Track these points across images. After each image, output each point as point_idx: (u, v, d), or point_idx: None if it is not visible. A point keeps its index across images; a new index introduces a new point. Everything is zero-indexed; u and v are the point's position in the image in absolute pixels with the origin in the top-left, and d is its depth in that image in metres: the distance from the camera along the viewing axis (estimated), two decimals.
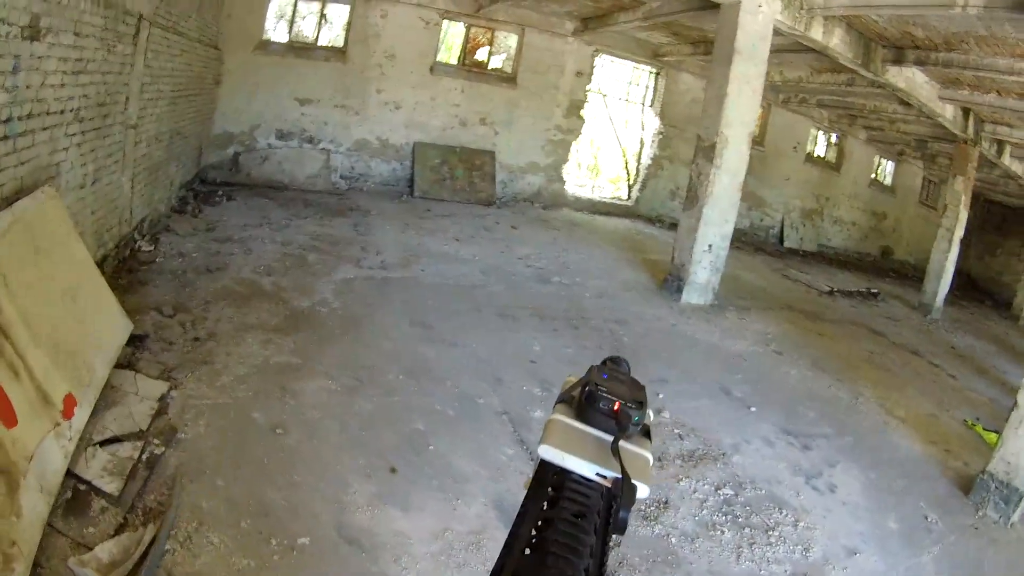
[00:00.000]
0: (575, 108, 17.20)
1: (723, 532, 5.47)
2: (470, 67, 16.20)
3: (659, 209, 19.29)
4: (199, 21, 10.98)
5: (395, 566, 4.48)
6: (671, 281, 11.66)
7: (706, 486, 6.00)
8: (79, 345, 5.21)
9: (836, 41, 11.51)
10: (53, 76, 5.46)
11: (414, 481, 5.36)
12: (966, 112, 14.96)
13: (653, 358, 8.71)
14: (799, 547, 5.53)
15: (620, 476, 0.91)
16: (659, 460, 6.21)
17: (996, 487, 6.86)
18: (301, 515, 4.69)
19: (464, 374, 7.25)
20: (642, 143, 19.27)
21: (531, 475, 0.98)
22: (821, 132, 22.16)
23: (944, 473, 7.48)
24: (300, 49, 14.33)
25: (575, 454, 0.94)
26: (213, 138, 13.26)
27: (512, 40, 16.69)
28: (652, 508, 5.54)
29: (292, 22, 14.69)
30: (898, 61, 12.31)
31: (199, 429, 5.38)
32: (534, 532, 0.87)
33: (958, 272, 17.19)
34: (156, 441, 5.12)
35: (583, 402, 1.02)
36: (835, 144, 22.85)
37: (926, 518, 6.48)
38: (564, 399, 1.06)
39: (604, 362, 1.14)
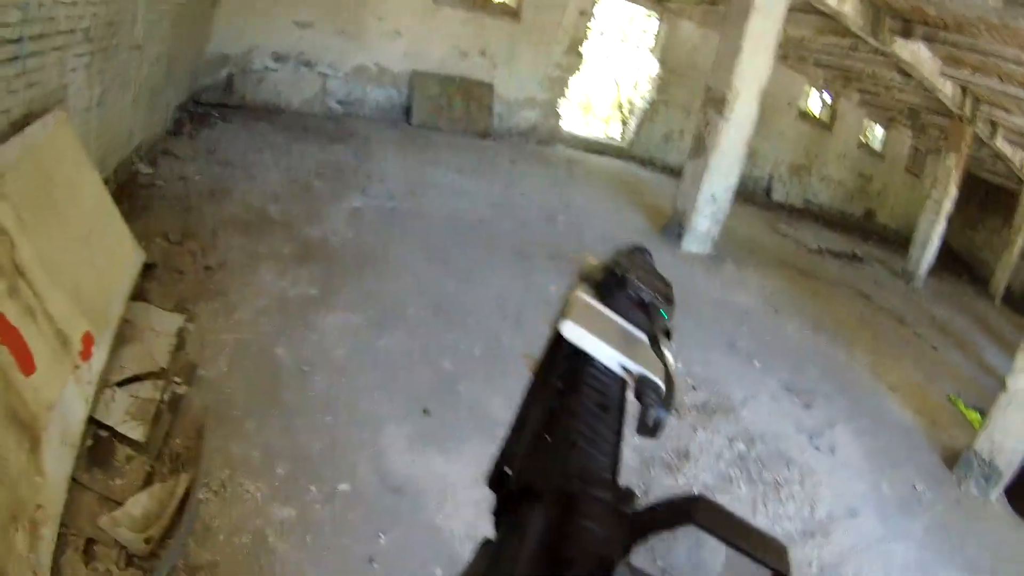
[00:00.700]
0: (575, 46, 16.63)
1: (739, 487, 5.48)
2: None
3: (652, 152, 18.95)
4: None
5: (440, 513, 4.31)
6: (672, 228, 11.50)
7: (721, 439, 5.98)
8: (95, 279, 4.74)
9: (848, 8, 11.21)
10: None
11: (449, 424, 5.13)
12: (964, 90, 14.85)
13: None
14: (807, 505, 5.60)
15: (645, 372, 0.77)
16: (675, 410, 5.99)
17: (979, 465, 7.09)
18: (338, 460, 4.46)
19: (485, 312, 7.00)
20: (636, 85, 18.92)
21: (540, 354, 0.87)
22: (815, 91, 21.87)
23: (931, 444, 7.59)
24: None
25: (601, 338, 0.80)
26: (208, 59, 12.47)
27: None
28: (674, 458, 5.52)
29: None
30: (906, 34, 12.04)
31: (221, 367, 5.01)
32: (549, 419, 0.77)
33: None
34: (177, 380, 4.73)
35: (610, 286, 0.89)
36: (829, 104, 22.62)
37: (915, 487, 6.58)
38: (585, 278, 0.92)
39: (631, 250, 1.01)
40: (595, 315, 0.85)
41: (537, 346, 0.90)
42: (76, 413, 3.83)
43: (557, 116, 17.22)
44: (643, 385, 0.77)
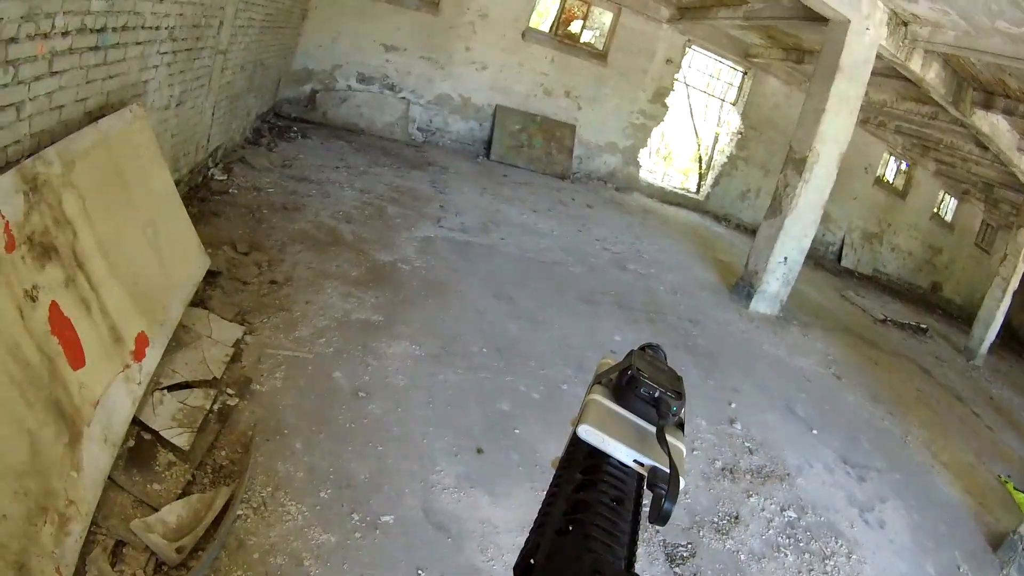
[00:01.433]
0: (661, 95, 16.58)
1: (786, 555, 5.34)
2: (562, 38, 15.55)
3: (728, 208, 18.78)
4: None
5: (481, 556, 4.12)
6: (742, 286, 11.34)
7: (773, 505, 5.84)
8: (156, 279, 4.64)
9: (932, 75, 11.27)
10: None
11: (501, 465, 4.94)
12: None
13: (727, 365, 8.38)
14: None
15: (655, 465, 0.85)
16: (731, 472, 6.06)
17: (1023, 549, 6.84)
18: (385, 490, 4.29)
19: (548, 356, 6.78)
20: (716, 138, 18.70)
21: (561, 454, 0.93)
22: (893, 157, 21.58)
23: (977, 525, 7.33)
24: None
25: (615, 437, 0.87)
26: (292, 73, 12.71)
27: (607, 17, 16.04)
28: (724, 522, 5.38)
29: None
30: (987, 106, 12.09)
31: (276, 382, 4.87)
32: (568, 514, 0.81)
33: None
34: (230, 391, 4.58)
35: (623, 386, 0.95)
36: (904, 171, 22.29)
37: (959, 568, 6.35)
38: (601, 381, 0.98)
39: (643, 348, 1.05)
40: (609, 415, 0.91)
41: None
42: (121, 412, 3.68)
43: (637, 164, 17.10)
44: (655, 476, 0.84)
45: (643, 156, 17.22)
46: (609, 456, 0.87)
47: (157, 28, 5.25)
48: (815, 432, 7.60)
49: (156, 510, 3.47)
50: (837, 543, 5.72)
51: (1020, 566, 6.75)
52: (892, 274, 23.14)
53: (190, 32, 6.14)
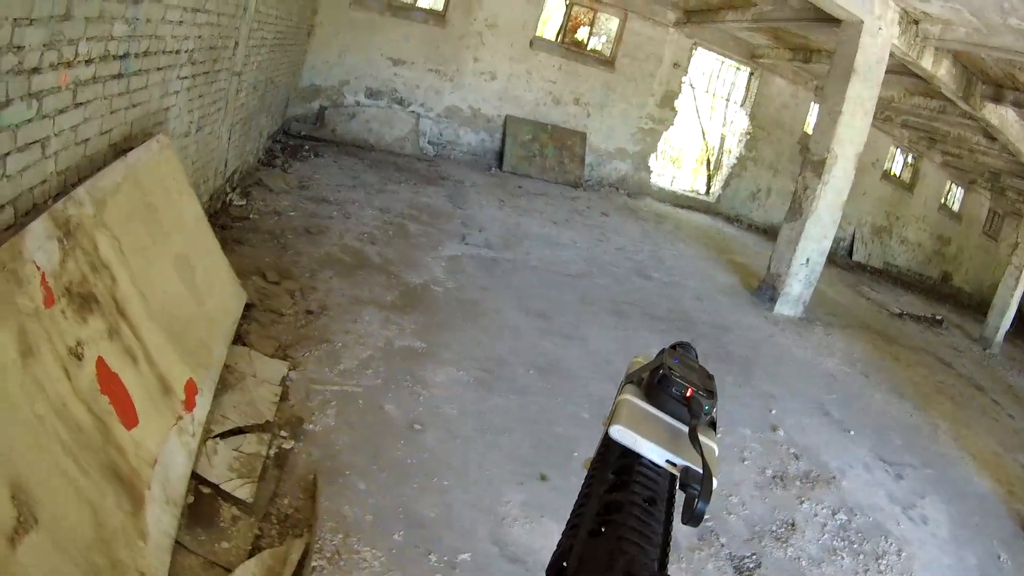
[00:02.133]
0: (669, 99, 16.48)
1: (843, 558, 5.36)
2: (569, 45, 15.50)
3: (739, 209, 18.72)
4: None
5: None
6: (764, 289, 11.36)
7: (824, 510, 5.86)
8: (196, 319, 4.37)
9: (943, 72, 11.42)
10: (173, 11, 4.69)
11: (566, 491, 4.68)
12: None
13: (760, 371, 8.38)
14: None
15: (688, 465, 0.82)
16: (781, 480, 6.06)
17: None
18: (456, 526, 4.11)
19: (590, 374, 6.65)
20: (723, 139, 18.65)
21: (593, 454, 0.89)
22: (899, 151, 21.61)
23: (1010, 514, 7.41)
24: (398, 8, 13.42)
25: (647, 438, 0.84)
26: (300, 90, 12.55)
27: (613, 23, 15.92)
28: (783, 530, 5.39)
29: None
30: (996, 99, 12.33)
31: (328, 420, 4.62)
32: (601, 515, 0.78)
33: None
34: (283, 434, 4.31)
35: (654, 385, 0.91)
36: (911, 164, 22.35)
37: (998, 557, 6.42)
38: (632, 380, 0.95)
39: (674, 346, 1.02)
40: (641, 415, 0.88)
41: None
42: (179, 469, 3.40)
43: (647, 169, 16.99)
44: (687, 477, 0.81)
45: (653, 160, 17.11)
46: (641, 456, 0.85)
47: (177, 52, 5.01)
48: (851, 433, 7.62)
49: (228, 571, 3.22)
50: (887, 542, 5.76)
51: None
52: (902, 266, 23.13)
53: (208, 55, 5.92)
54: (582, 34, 16.04)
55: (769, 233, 18.13)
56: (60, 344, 2.81)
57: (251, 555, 3.35)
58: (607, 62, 15.58)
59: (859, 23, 9.95)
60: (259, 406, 4.34)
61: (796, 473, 6.27)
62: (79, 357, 2.91)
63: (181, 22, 4.93)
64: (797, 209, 10.90)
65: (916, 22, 10.35)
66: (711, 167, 19.03)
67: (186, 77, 5.40)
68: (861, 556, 5.45)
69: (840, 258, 19.95)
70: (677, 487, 0.83)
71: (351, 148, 12.40)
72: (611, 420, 0.87)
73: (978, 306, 22.15)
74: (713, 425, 0.93)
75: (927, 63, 10.99)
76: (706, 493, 0.78)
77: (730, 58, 17.17)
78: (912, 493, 6.81)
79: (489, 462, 4.79)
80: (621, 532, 0.74)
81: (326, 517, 3.74)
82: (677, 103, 16.64)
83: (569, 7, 15.26)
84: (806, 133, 18.51)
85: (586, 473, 0.88)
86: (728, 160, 18.44)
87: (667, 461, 0.83)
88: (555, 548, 0.77)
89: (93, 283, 3.21)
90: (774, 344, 9.56)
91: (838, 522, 5.76)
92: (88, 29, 3.39)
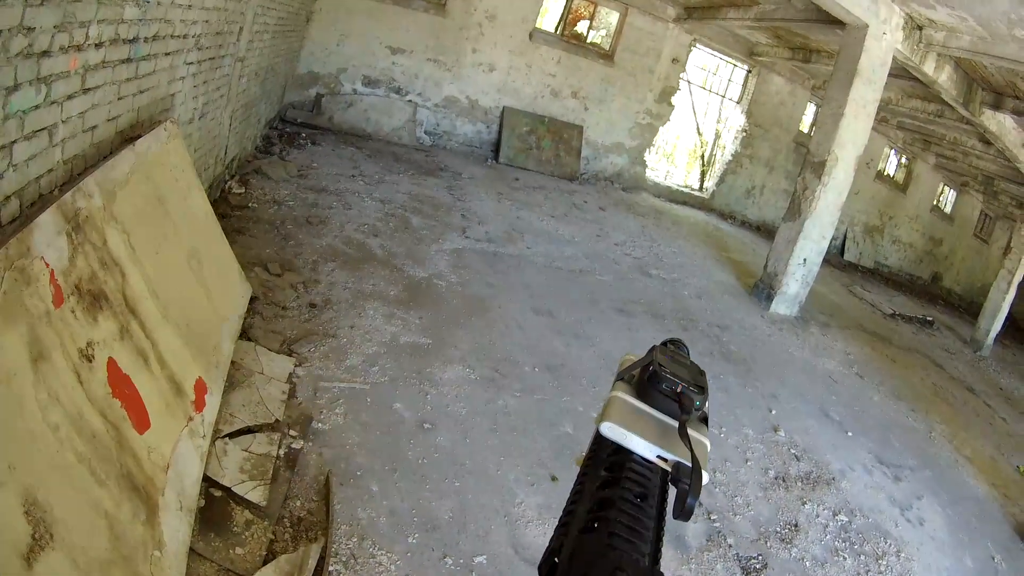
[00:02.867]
0: (667, 94, 16.36)
1: (845, 558, 5.41)
2: (568, 38, 15.27)
3: (734, 206, 18.67)
4: None
5: None
6: (761, 288, 11.34)
7: (825, 511, 5.91)
8: (205, 315, 4.22)
9: (944, 78, 11.38)
10: None
11: None
12: None
13: (760, 371, 8.36)
14: None
15: (679, 460, 0.84)
16: (783, 481, 6.08)
17: None
18: (471, 529, 4.05)
19: (597, 373, 6.58)
20: (717, 135, 18.57)
21: (584, 452, 0.91)
22: (893, 151, 21.64)
23: (1005, 517, 7.51)
24: None
25: (638, 434, 0.86)
26: (297, 77, 12.32)
27: (613, 18, 15.78)
28: (787, 531, 5.42)
29: None
30: (996, 106, 12.28)
31: (337, 419, 4.50)
32: (593, 511, 0.79)
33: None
34: (293, 433, 4.16)
35: (645, 382, 0.93)
36: (905, 165, 22.38)
37: (993, 559, 6.50)
38: (623, 377, 0.97)
39: (665, 343, 1.05)
40: (632, 411, 0.89)
41: None
42: (192, 473, 3.26)
43: (643, 164, 16.88)
44: (679, 472, 0.81)
45: (649, 155, 17.02)
46: (633, 452, 0.85)
47: (185, 37, 4.85)
48: (850, 434, 7.66)
49: None
50: (887, 543, 5.81)
51: None
52: (893, 266, 23.17)
53: (214, 40, 5.75)
54: (582, 27, 15.79)
55: (763, 230, 18.21)
56: (71, 347, 2.66)
57: (266, 561, 3.23)
58: (606, 56, 15.43)
59: (864, 27, 9.90)
60: (268, 404, 4.19)
61: (798, 474, 6.29)
62: (90, 360, 2.76)
63: (190, 6, 4.78)
64: (796, 209, 10.87)
65: (920, 28, 10.31)
66: (705, 163, 18.95)
67: (192, 63, 5.25)
68: (862, 557, 5.49)
69: (832, 256, 19.98)
70: (669, 482, 0.84)
71: (348, 137, 12.22)
72: (601, 417, 0.87)
73: (968, 307, 22.35)
74: (705, 420, 0.94)
75: (929, 68, 10.96)
76: (695, 488, 0.78)
77: (729, 55, 17.08)
78: (910, 495, 6.85)
79: (501, 463, 4.71)
80: (612, 528, 0.74)
81: (340, 520, 3.64)
82: (675, 99, 16.53)
83: (569, 0, 15.08)
84: (802, 132, 18.55)
85: (578, 470, 0.89)
86: (723, 157, 18.36)
87: (658, 457, 0.84)
88: (547, 544, 0.78)
89: (103, 280, 3.06)
90: (773, 344, 9.53)
91: (839, 523, 5.80)
92: (99, 11, 3.22)
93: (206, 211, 4.89)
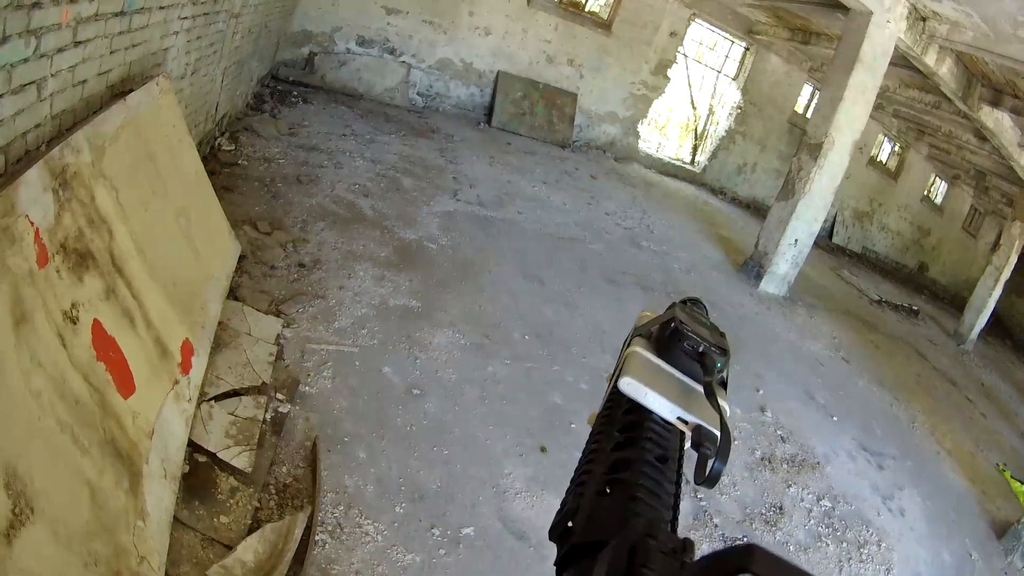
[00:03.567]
0: (663, 67, 16.13)
1: (828, 545, 5.41)
2: (567, 5, 14.92)
3: (724, 182, 18.51)
4: None
5: None
6: (751, 266, 11.27)
7: (810, 495, 5.89)
8: (193, 275, 4.10)
9: (944, 70, 11.28)
10: None
11: (566, 465, 4.53)
12: None
13: (748, 350, 8.25)
14: (883, 567, 5.58)
15: (701, 423, 0.77)
16: (769, 462, 6.04)
17: None
18: (458, 499, 4.01)
19: (587, 343, 6.53)
20: (711, 110, 18.40)
21: (598, 410, 0.83)
22: (887, 139, 21.47)
23: (982, 513, 7.58)
24: None
25: (659, 392, 0.78)
26: (290, 35, 12.00)
27: None
28: (771, 513, 5.39)
29: None
30: (995, 103, 12.20)
31: (325, 382, 4.41)
32: (610, 472, 0.73)
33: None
34: (280, 396, 4.06)
35: (666, 339, 0.84)
36: (897, 153, 22.22)
37: (970, 555, 6.58)
38: (642, 333, 0.88)
39: (684, 301, 0.95)
40: (652, 369, 0.81)
41: None
42: (177, 438, 3.17)
43: (636, 135, 16.67)
44: (700, 436, 0.76)
45: (642, 127, 16.85)
46: (650, 412, 0.78)
47: None
48: (834, 419, 7.65)
49: (229, 547, 3.01)
50: (868, 532, 5.81)
51: (1022, 554, 7.03)
52: (880, 253, 23.10)
53: None
54: None
55: (752, 208, 18.11)
56: (55, 308, 2.55)
57: (252, 530, 3.15)
58: (604, 25, 15.17)
59: (868, 14, 9.79)
60: (255, 367, 4.10)
61: (783, 456, 6.27)
62: (74, 321, 2.66)
63: None
64: (790, 189, 10.79)
65: (924, 19, 10.21)
66: (698, 137, 18.81)
67: (187, 17, 5.07)
68: (844, 544, 5.50)
69: (820, 239, 19.83)
70: (687, 446, 0.79)
71: (340, 96, 11.99)
72: (619, 373, 0.81)
73: (952, 299, 22.33)
74: (724, 384, 0.88)
75: (930, 60, 10.87)
76: (724, 453, 0.74)
77: (727, 32, 16.86)
78: (892, 485, 6.87)
79: (490, 432, 4.65)
80: (633, 491, 0.70)
81: (327, 488, 3.58)
82: (671, 72, 16.34)
83: None
84: (797, 112, 18.41)
85: (591, 429, 0.83)
86: (716, 132, 18.22)
87: (678, 418, 0.79)
88: (559, 508, 0.73)
89: (90, 239, 2.94)
90: (760, 323, 9.50)
91: (823, 508, 5.80)
92: None
93: (196, 168, 4.75)
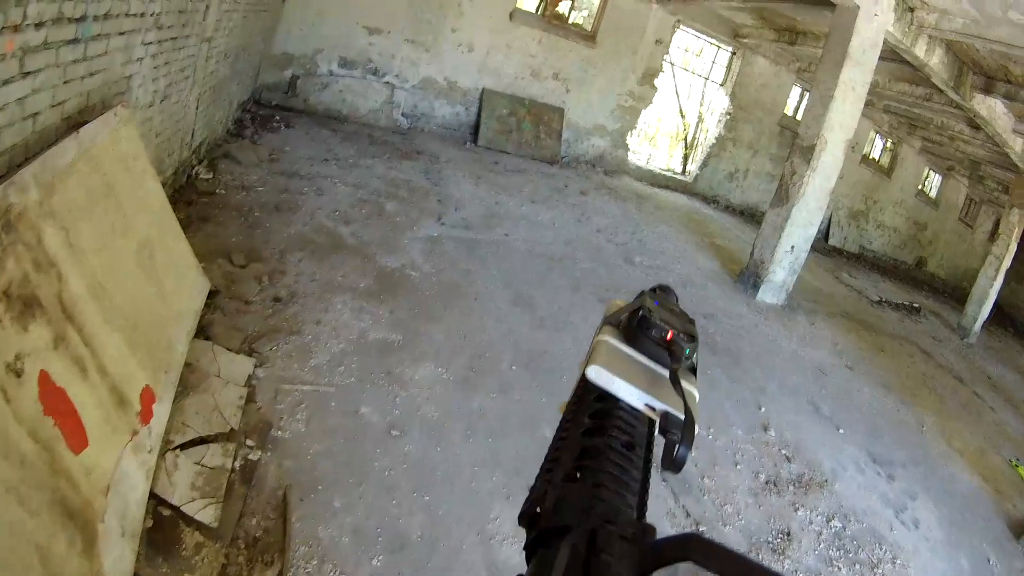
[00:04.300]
0: (650, 76, 16.14)
1: (839, 569, 5.23)
2: (550, 19, 14.96)
3: (716, 189, 18.51)
4: None
5: None
6: (748, 276, 11.12)
7: (819, 517, 5.71)
8: (156, 315, 3.92)
9: (935, 61, 11.24)
10: None
11: None
12: None
13: (748, 364, 8.16)
14: None
15: (668, 409, 0.79)
16: (775, 485, 5.85)
17: None
18: (442, 548, 3.80)
19: (577, 369, 6.12)
20: (700, 118, 18.45)
21: (569, 398, 0.85)
22: (879, 135, 21.55)
23: (997, 513, 7.45)
24: None
25: (625, 380, 0.80)
26: (271, 57, 11.94)
27: None
28: (779, 540, 5.22)
29: None
30: (987, 90, 12.15)
31: (299, 426, 4.22)
32: (578, 459, 0.75)
33: None
34: (250, 443, 3.90)
35: (634, 327, 0.87)
36: (890, 149, 22.33)
37: (988, 560, 6.42)
38: (611, 322, 0.91)
39: (654, 289, 0.99)
40: (620, 357, 0.84)
41: None
42: (136, 492, 3.01)
43: (625, 147, 16.66)
44: (667, 422, 0.78)
45: (631, 138, 16.82)
46: (619, 400, 0.79)
47: (142, 15, 4.53)
48: (841, 431, 7.47)
49: None
50: (882, 549, 5.66)
51: None
52: (878, 251, 23.14)
53: (176, 19, 5.42)
54: (564, 7, 15.48)
55: (746, 215, 18.15)
56: None
57: None
58: (588, 37, 15.17)
59: (855, 8, 9.69)
60: (224, 411, 3.93)
61: (789, 477, 6.11)
62: (19, 374, 2.50)
63: None
64: (784, 195, 10.66)
65: (912, 9, 10.13)
66: (688, 146, 18.79)
67: (152, 43, 4.94)
68: (857, 566, 5.32)
69: (816, 241, 19.81)
70: (656, 432, 0.79)
71: (323, 119, 11.94)
72: (588, 361, 0.82)
73: (952, 292, 22.46)
74: (693, 371, 0.89)
75: (920, 51, 10.77)
76: (688, 439, 0.75)
77: (713, 37, 16.86)
78: (904, 494, 6.72)
79: (476, 473, 4.46)
80: (598, 478, 0.71)
81: (299, 540, 3.41)
82: (658, 81, 16.32)
83: None
84: (786, 115, 18.41)
85: (561, 417, 0.83)
86: (706, 140, 18.18)
87: (646, 405, 0.80)
88: (528, 494, 0.74)
89: (36, 284, 2.78)
90: (760, 334, 9.33)
91: (833, 530, 5.61)
92: None
93: (161, 201, 4.59)
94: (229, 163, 8.10)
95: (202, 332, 4.66)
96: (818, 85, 10.46)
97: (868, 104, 17.46)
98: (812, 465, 6.43)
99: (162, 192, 4.69)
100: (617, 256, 10.05)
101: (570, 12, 15.41)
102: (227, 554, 3.19)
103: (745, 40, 16.56)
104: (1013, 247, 15.72)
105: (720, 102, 17.88)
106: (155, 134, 5.69)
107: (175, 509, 3.23)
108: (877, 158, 22.20)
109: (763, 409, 7.09)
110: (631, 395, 0.79)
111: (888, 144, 22.10)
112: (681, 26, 16.13)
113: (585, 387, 0.82)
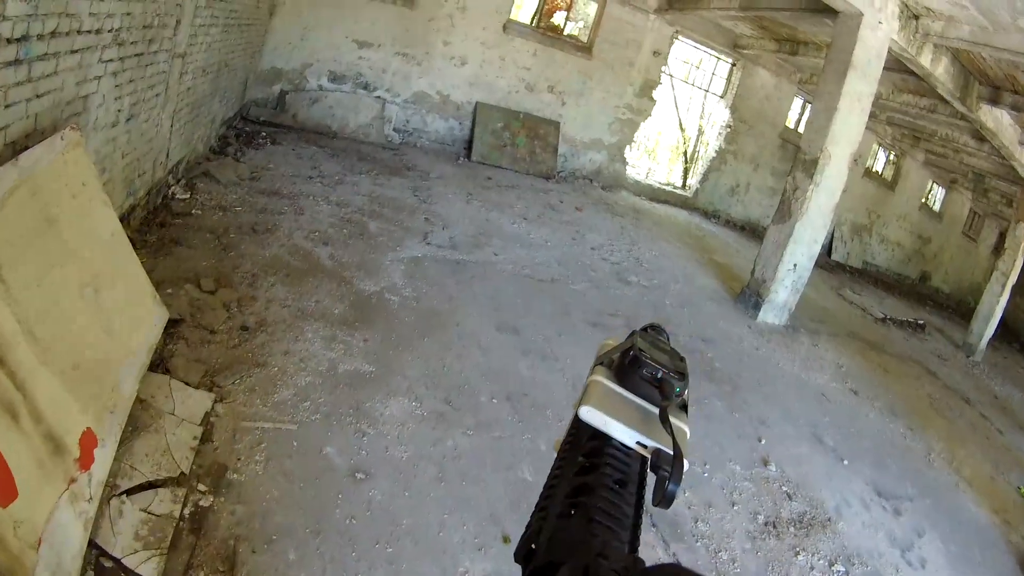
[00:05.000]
0: (648, 88, 16.10)
1: None
2: (544, 30, 14.95)
3: (717, 204, 18.48)
4: None
5: None
6: (748, 295, 10.95)
7: (821, 561, 5.43)
8: (102, 352, 3.73)
9: (940, 70, 11.15)
10: None
11: None
12: None
13: (748, 391, 7.94)
14: None
15: (659, 447, 0.85)
16: (774, 527, 5.58)
17: None
18: None
19: (565, 404, 6.05)
20: (700, 131, 18.41)
21: (563, 436, 0.94)
22: (881, 148, 21.53)
23: (1007, 546, 7.20)
24: None
25: (617, 419, 0.86)
26: (259, 73, 11.91)
27: (591, 8, 15.46)
28: None
29: None
30: (994, 101, 12.12)
31: (256, 467, 4.01)
32: (571, 497, 0.81)
33: None
34: (201, 487, 3.70)
35: (625, 367, 0.94)
36: (893, 162, 22.29)
37: None
38: (603, 362, 0.98)
39: (645, 328, 1.06)
40: (612, 396, 0.90)
41: None
42: (72, 545, 2.84)
43: (623, 161, 16.60)
44: (659, 459, 0.82)
45: (629, 152, 16.75)
46: (612, 438, 0.85)
47: (98, 31, 4.37)
48: (846, 463, 7.26)
49: None
50: None
51: None
52: (881, 266, 23.06)
53: (140, 34, 5.26)
54: (559, 19, 15.57)
55: (748, 230, 18.10)
56: None
57: None
58: (584, 49, 15.12)
59: (859, 15, 9.56)
60: (175, 453, 3.76)
61: (790, 517, 5.84)
62: None
63: None
64: (786, 211, 10.49)
65: (917, 17, 10.04)
66: (688, 160, 18.72)
67: (112, 60, 4.77)
68: None
69: (819, 257, 19.71)
70: (648, 469, 0.84)
71: (312, 135, 11.84)
72: (581, 401, 0.88)
73: (956, 308, 22.44)
74: (684, 407, 0.94)
75: (926, 60, 10.66)
76: (677, 475, 0.78)
77: (712, 48, 16.79)
78: (911, 531, 6.49)
79: (445, 521, 4.21)
80: (591, 514, 0.75)
81: None
82: (656, 93, 16.26)
83: None
84: (788, 127, 18.32)
85: (556, 455, 0.90)
86: (706, 153, 18.11)
87: (637, 443, 0.85)
88: (523, 530, 0.78)
89: None
90: (760, 358, 9.14)
91: (836, 575, 5.38)
92: None
93: (113, 229, 4.42)
94: (208, 182, 7.97)
95: (161, 365, 4.49)
96: (821, 96, 10.30)
97: (871, 116, 17.40)
98: (815, 503, 6.20)
99: (115, 218, 4.51)
100: (611, 276, 9.89)
101: (565, 24, 15.45)
102: None
103: (745, 51, 16.51)
104: (1019, 262, 15.56)
105: (720, 114, 17.82)
106: (121, 155, 5.53)
107: (117, 561, 3.07)
108: (880, 171, 22.14)
109: (763, 441, 6.89)
110: (623, 434, 0.85)
111: (891, 157, 22.04)
112: (680, 37, 16.09)
113: (579, 426, 0.89)
